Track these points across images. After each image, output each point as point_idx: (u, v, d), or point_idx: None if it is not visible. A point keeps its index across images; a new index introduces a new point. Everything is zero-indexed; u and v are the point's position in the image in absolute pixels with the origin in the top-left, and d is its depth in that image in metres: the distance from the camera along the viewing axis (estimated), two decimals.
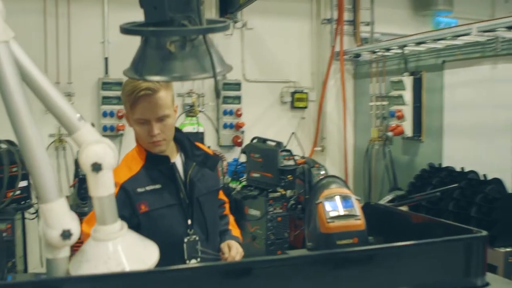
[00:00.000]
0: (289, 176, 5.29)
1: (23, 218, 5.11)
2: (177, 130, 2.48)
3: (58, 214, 1.38)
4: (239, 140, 6.08)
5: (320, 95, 6.60)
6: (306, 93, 6.51)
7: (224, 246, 2.50)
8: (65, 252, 1.45)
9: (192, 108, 5.04)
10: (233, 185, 5.77)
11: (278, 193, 5.31)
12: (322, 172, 5.54)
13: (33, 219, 5.14)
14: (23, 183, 4.69)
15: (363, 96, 6.54)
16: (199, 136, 5.07)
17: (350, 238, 2.26)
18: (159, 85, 2.26)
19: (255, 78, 6.31)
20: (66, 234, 1.38)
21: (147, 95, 2.25)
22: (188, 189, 2.39)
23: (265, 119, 6.34)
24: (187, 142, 2.48)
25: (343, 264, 1.62)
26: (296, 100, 6.44)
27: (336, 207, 2.32)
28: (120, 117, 5.65)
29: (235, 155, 5.99)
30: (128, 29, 1.70)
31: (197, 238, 2.37)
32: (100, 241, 1.46)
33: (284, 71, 6.42)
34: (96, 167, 1.40)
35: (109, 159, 1.43)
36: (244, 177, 5.61)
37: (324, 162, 6.11)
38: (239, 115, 6.13)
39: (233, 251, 2.45)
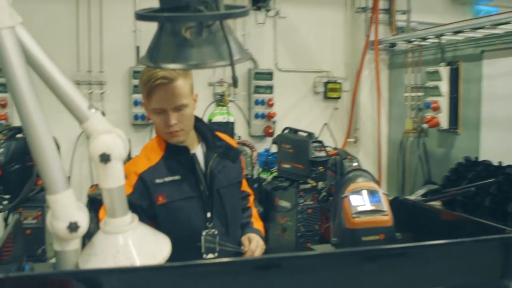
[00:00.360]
0: (320, 168, 5.20)
1: None
2: (198, 120, 2.43)
3: (65, 206, 1.34)
4: (270, 131, 6.01)
5: (354, 85, 6.46)
6: (339, 83, 6.38)
7: (244, 239, 2.43)
8: (74, 244, 1.41)
9: (222, 98, 4.98)
10: (264, 175, 5.71)
11: (309, 185, 5.23)
12: (355, 164, 5.41)
13: None
14: None
15: (398, 86, 6.37)
16: (229, 126, 5.02)
17: (376, 235, 2.17)
18: (176, 74, 2.19)
19: (288, 67, 6.22)
20: (73, 227, 1.34)
21: (163, 84, 2.18)
22: (209, 180, 2.34)
23: (297, 110, 6.24)
24: (208, 132, 2.43)
25: (366, 262, 1.53)
26: (329, 91, 6.33)
27: (363, 202, 2.24)
28: None
29: (267, 145, 5.93)
30: (142, 15, 1.64)
31: (215, 232, 2.31)
32: (110, 234, 1.42)
33: (317, 61, 6.31)
34: (105, 158, 1.35)
35: (119, 150, 1.38)
36: (275, 168, 5.55)
37: (357, 153, 5.98)
38: (271, 105, 6.05)
39: (253, 244, 2.38)
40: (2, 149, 4.25)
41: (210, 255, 2.30)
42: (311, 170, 5.13)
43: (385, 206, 2.27)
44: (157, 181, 2.24)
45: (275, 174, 5.57)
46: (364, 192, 2.29)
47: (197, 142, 2.41)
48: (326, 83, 6.31)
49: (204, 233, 2.28)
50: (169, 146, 2.31)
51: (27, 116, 1.30)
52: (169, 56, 1.62)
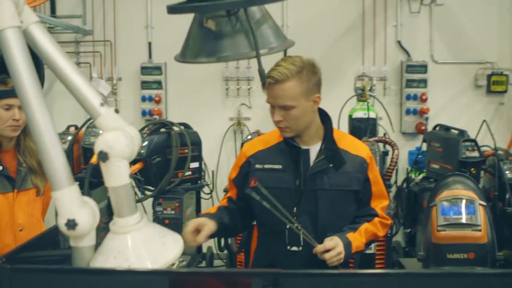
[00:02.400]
0: (472, 169, 4.69)
1: (199, 198, 5.37)
2: (327, 119, 2.43)
3: (65, 203, 1.32)
4: (422, 128, 5.58)
5: None
6: (506, 75, 5.69)
7: (327, 239, 2.25)
8: (88, 241, 1.39)
9: (363, 92, 4.72)
10: (413, 175, 5.33)
11: None
12: None
13: (207, 199, 5.36)
14: (194, 165, 4.88)
15: None
16: (370, 123, 4.73)
17: (464, 252, 1.85)
18: (288, 75, 2.20)
19: (445, 59, 5.71)
20: (70, 224, 1.31)
21: (270, 83, 2.23)
22: (308, 179, 2.33)
23: (454, 105, 5.71)
24: (328, 133, 2.41)
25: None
26: (493, 84, 5.67)
27: (453, 213, 1.93)
28: None
29: (418, 143, 5.51)
30: (172, 8, 1.57)
31: (299, 227, 2.27)
32: (115, 234, 1.37)
33: (479, 51, 5.69)
34: (102, 156, 1.30)
35: (120, 148, 1.32)
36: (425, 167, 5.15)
37: None
38: (424, 100, 5.62)
39: (332, 252, 2.18)
40: (144, 143, 4.50)
41: (294, 248, 2.32)
42: (461, 171, 4.64)
43: (480, 219, 1.93)
44: (257, 166, 2.38)
45: (424, 174, 5.17)
46: (458, 201, 1.97)
47: (318, 139, 2.41)
48: (489, 76, 5.66)
49: (288, 226, 2.27)
50: (285, 140, 2.38)
51: (30, 112, 1.29)
52: (194, 49, 1.54)
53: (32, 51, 2.27)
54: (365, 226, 2.40)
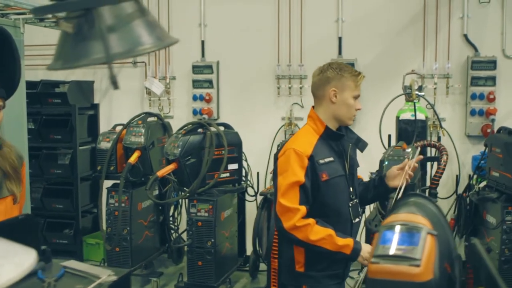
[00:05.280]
0: None
1: (243, 200, 5.22)
2: None
3: None
4: (488, 130, 5.05)
5: None
6: None
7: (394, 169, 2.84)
8: None
9: (410, 92, 4.32)
10: (475, 183, 4.83)
11: None
12: None
13: (252, 201, 5.20)
14: (233, 166, 4.74)
15: None
16: (418, 125, 4.32)
17: None
18: None
19: None
20: None
21: (362, 77, 2.74)
22: (349, 163, 2.79)
23: None
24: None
25: None
26: None
27: (393, 242, 1.63)
28: None
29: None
30: (34, 10, 1.42)
31: (357, 201, 2.81)
32: None
33: None
34: None
35: None
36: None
37: None
38: (491, 100, 5.07)
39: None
40: (179, 143, 4.43)
41: (357, 220, 2.81)
42: None
43: (422, 252, 1.61)
44: (321, 161, 2.65)
45: (486, 182, 4.67)
46: (401, 228, 1.67)
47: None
48: None
49: (350, 204, 2.75)
50: (328, 131, 2.70)
51: None
52: (55, 54, 1.39)
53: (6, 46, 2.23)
54: None
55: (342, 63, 2.77)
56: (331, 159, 2.69)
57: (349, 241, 2.61)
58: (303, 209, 2.59)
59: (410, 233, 1.63)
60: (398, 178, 2.80)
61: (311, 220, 2.58)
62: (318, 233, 2.57)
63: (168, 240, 5.30)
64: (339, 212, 2.71)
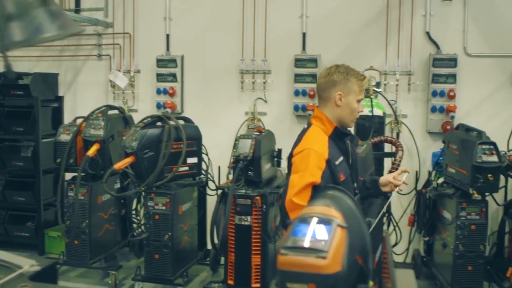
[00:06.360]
0: (489, 176, 4.20)
1: (204, 194, 5.21)
2: None
3: None
4: (448, 127, 5.08)
5: None
6: None
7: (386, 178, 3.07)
8: None
9: (368, 88, 4.34)
10: (434, 179, 4.87)
11: (480, 196, 4.30)
12: None
13: (213, 195, 5.19)
14: (192, 160, 4.73)
15: None
16: (375, 121, 4.35)
17: (304, 283, 1.56)
18: None
19: (480, 51, 5.16)
20: None
21: (366, 81, 2.84)
22: (351, 160, 2.89)
23: (488, 104, 5.14)
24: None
25: None
26: None
27: (301, 234, 1.63)
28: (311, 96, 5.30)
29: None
30: None
31: (359, 196, 2.95)
32: None
33: None
34: None
35: None
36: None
37: None
38: (452, 97, 5.11)
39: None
40: (137, 136, 4.40)
41: None
42: (475, 177, 4.17)
43: (331, 245, 1.62)
44: (336, 163, 2.72)
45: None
46: (314, 220, 1.68)
47: None
48: None
49: (355, 198, 2.79)
50: (336, 131, 2.77)
51: None
52: None
53: None
54: None
55: (349, 67, 2.82)
56: (342, 158, 2.77)
57: None
58: None
59: (321, 225, 1.64)
60: (388, 186, 3.07)
61: None
62: None
63: (130, 233, 5.28)
64: None
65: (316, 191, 2.63)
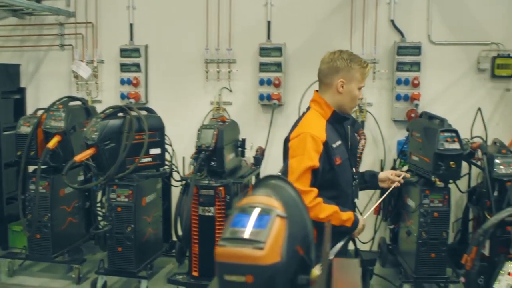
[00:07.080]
0: (451, 163, 4.22)
1: (168, 185, 5.16)
2: None
3: None
4: (412, 115, 5.10)
5: None
6: None
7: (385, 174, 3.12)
8: None
9: None
10: (399, 167, 4.88)
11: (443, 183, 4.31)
12: None
13: (178, 186, 5.12)
14: (155, 151, 4.67)
15: None
16: None
17: (241, 275, 1.52)
18: None
19: (444, 39, 5.17)
20: None
21: (368, 69, 2.83)
22: (350, 145, 2.88)
23: (452, 91, 5.16)
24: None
25: None
26: (498, 67, 5.06)
27: (240, 225, 1.60)
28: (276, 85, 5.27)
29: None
30: None
31: (357, 182, 2.95)
32: None
33: (483, 30, 5.10)
34: None
35: None
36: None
37: None
38: (416, 85, 5.11)
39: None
40: (97, 127, 4.32)
41: (356, 200, 2.99)
42: (437, 165, 4.19)
43: (268, 235, 1.58)
44: (333, 146, 2.71)
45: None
46: (251, 210, 1.64)
47: None
48: (494, 58, 5.06)
49: (353, 183, 2.88)
50: (335, 115, 2.75)
51: None
52: None
53: None
54: None
55: (352, 53, 2.79)
56: (340, 142, 2.76)
57: (350, 214, 2.76)
58: (316, 190, 2.64)
59: (260, 215, 1.60)
60: (386, 182, 3.11)
61: (319, 199, 2.65)
62: (326, 210, 2.65)
63: (93, 226, 5.21)
64: (346, 193, 2.83)
65: (315, 174, 2.65)
